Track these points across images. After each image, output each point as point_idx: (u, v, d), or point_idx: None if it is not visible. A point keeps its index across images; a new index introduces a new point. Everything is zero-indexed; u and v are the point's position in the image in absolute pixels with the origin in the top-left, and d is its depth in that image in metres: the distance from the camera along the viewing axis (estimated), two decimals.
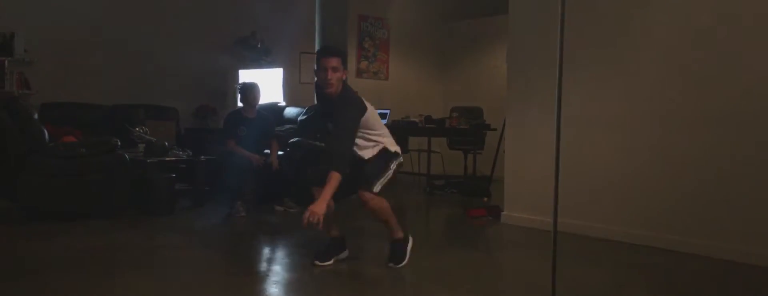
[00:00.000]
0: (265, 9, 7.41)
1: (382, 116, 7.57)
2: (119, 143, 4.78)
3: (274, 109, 6.31)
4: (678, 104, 3.83)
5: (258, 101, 5.22)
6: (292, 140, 5.57)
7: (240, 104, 5.31)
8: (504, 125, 5.01)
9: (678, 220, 3.80)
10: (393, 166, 3.33)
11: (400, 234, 3.37)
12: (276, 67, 6.82)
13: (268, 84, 6.51)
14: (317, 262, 3.30)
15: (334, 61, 3.16)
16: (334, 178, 2.97)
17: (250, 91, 5.16)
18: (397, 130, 7.14)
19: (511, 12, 4.88)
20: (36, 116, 4.54)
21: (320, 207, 2.90)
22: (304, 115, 6.02)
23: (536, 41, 4.64)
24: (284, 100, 6.59)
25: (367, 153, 3.29)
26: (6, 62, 6.08)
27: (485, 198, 5.24)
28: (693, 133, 3.76)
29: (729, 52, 3.60)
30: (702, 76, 3.72)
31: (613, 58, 4.17)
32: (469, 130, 6.60)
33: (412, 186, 7.22)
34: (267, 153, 5.21)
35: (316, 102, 3.58)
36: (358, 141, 3.25)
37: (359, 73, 8.47)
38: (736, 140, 3.56)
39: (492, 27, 8.15)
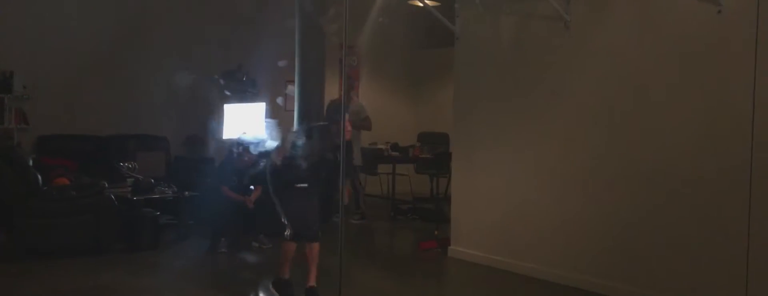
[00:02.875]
0: (250, 41, 7.82)
1: None
2: (107, 185, 5.21)
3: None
4: (604, 159, 4.25)
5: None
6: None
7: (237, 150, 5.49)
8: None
9: (615, 268, 4.16)
10: None
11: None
12: (260, 100, 7.24)
13: (251, 118, 6.94)
14: None
15: None
16: None
17: (246, 152, 5.26)
18: (365, 156, 7.59)
19: (456, 56, 5.32)
20: (31, 162, 4.96)
21: None
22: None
23: (479, 84, 5.10)
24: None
25: None
26: (5, 99, 6.54)
27: (436, 231, 5.69)
28: (618, 185, 4.16)
29: (651, 113, 4.01)
30: (626, 134, 4.13)
31: (553, 112, 4.57)
32: (432, 159, 7.03)
33: (379, 209, 7.65)
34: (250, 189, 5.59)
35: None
36: None
37: None
38: (657, 194, 3.97)
39: None
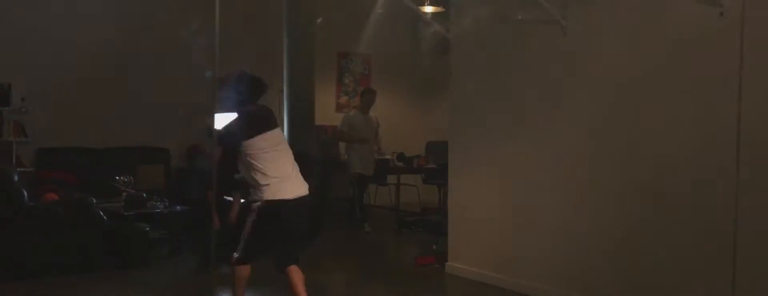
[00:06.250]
0: (241, 50, 7.65)
1: None
2: (95, 201, 5.10)
3: None
4: (603, 170, 4.01)
5: None
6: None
7: None
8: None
9: (623, 288, 3.88)
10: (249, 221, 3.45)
11: None
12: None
13: None
14: None
15: None
16: None
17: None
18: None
19: (452, 65, 5.10)
20: (16, 178, 4.87)
21: None
22: None
23: (476, 92, 4.88)
24: None
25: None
26: (3, 112, 6.50)
27: (434, 246, 5.44)
28: (618, 198, 3.91)
29: (649, 121, 3.77)
30: (625, 143, 3.89)
31: (551, 122, 4.33)
32: (437, 169, 6.82)
33: (386, 221, 7.46)
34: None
35: None
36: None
37: (339, 108, 8.78)
38: (656, 211, 3.71)
39: None
